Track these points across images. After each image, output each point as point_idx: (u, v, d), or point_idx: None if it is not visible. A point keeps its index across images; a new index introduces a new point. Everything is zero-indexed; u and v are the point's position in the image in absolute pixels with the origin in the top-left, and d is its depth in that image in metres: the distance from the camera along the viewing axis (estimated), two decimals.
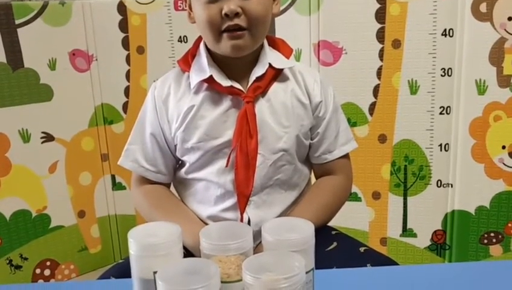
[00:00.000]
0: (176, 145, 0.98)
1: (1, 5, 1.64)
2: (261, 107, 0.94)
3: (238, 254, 0.63)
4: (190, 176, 0.98)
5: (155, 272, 0.59)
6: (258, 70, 0.93)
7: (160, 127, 0.97)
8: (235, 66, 0.94)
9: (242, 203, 0.94)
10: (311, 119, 0.97)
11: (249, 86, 0.93)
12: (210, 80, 0.93)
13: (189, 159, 0.96)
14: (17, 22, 1.66)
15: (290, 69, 0.98)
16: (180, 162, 1.02)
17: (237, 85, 0.93)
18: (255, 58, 0.95)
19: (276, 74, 0.95)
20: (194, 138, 0.94)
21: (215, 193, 0.95)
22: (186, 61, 0.98)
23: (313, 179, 1.06)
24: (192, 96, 0.95)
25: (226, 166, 0.93)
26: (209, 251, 0.63)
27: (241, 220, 0.94)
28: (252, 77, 0.93)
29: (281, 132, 0.94)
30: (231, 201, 0.94)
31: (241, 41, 0.89)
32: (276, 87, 0.96)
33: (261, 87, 0.93)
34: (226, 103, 0.94)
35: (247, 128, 0.91)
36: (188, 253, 0.89)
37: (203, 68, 0.94)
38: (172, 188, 1.05)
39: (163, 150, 0.99)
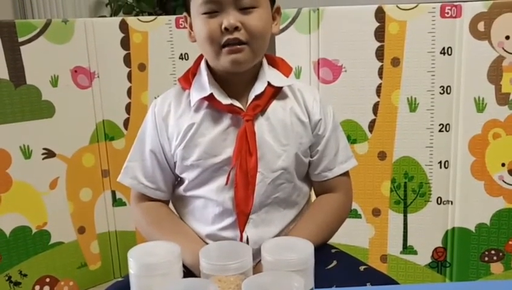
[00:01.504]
0: (175, 163, 0.98)
1: (4, 23, 1.66)
2: (260, 125, 0.94)
3: (237, 274, 0.63)
4: (189, 193, 0.98)
5: None
6: (257, 89, 0.94)
7: (160, 144, 0.98)
8: (235, 84, 0.95)
9: (242, 222, 0.94)
10: (310, 137, 0.98)
11: (248, 104, 0.94)
12: (210, 98, 0.94)
13: (188, 176, 0.97)
14: (20, 39, 1.67)
15: (290, 87, 0.99)
16: (179, 179, 1.02)
17: (237, 103, 0.94)
18: (254, 76, 0.96)
19: (275, 92, 0.96)
20: (194, 155, 0.94)
21: (213, 211, 0.95)
22: (187, 79, 0.99)
23: (313, 197, 1.06)
24: (193, 114, 0.96)
25: (226, 184, 0.93)
26: (208, 270, 0.64)
27: (241, 239, 0.94)
28: (251, 95, 0.94)
29: (280, 150, 0.95)
30: (230, 219, 0.95)
31: (241, 55, 0.90)
32: (275, 105, 0.96)
33: (260, 106, 0.94)
34: (226, 121, 0.94)
35: (246, 147, 0.92)
36: (187, 271, 0.89)
37: (203, 86, 0.95)
38: (171, 205, 1.06)
39: (162, 167, 0.99)
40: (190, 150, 0.95)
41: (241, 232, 0.94)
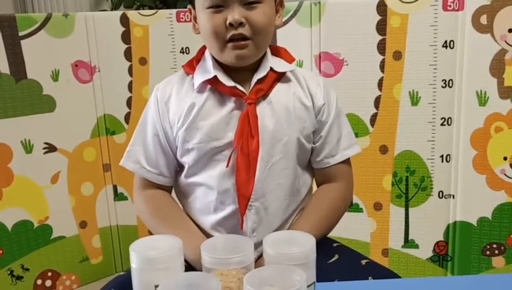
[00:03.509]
0: (177, 147, 0.98)
1: (5, 17, 1.66)
2: (263, 109, 0.94)
3: (239, 268, 0.63)
4: (190, 180, 0.98)
5: (156, 286, 0.59)
6: (260, 74, 0.95)
7: (163, 128, 0.98)
8: (238, 71, 0.95)
9: (242, 206, 0.93)
10: (313, 122, 0.98)
11: (251, 88, 0.94)
12: (213, 82, 0.94)
13: (188, 160, 0.96)
14: (20, 33, 1.67)
15: (293, 73, 0.99)
16: (180, 167, 1.02)
17: (240, 87, 0.94)
18: (257, 64, 0.96)
19: (278, 78, 0.97)
20: (195, 138, 0.94)
21: (214, 198, 0.95)
22: (191, 65, 0.99)
23: (314, 188, 1.06)
24: (196, 95, 0.95)
25: (227, 166, 0.93)
26: (210, 264, 0.64)
27: (241, 223, 0.94)
28: (254, 79, 0.94)
29: (281, 134, 0.95)
30: (232, 207, 0.94)
31: (245, 51, 0.91)
32: (278, 89, 0.97)
33: (263, 90, 0.94)
34: (229, 105, 0.94)
35: (248, 129, 0.92)
36: (189, 266, 0.89)
37: (207, 70, 0.95)
38: (173, 194, 1.05)
39: (165, 151, 0.99)
40: (192, 133, 0.94)
41: (242, 215, 0.93)
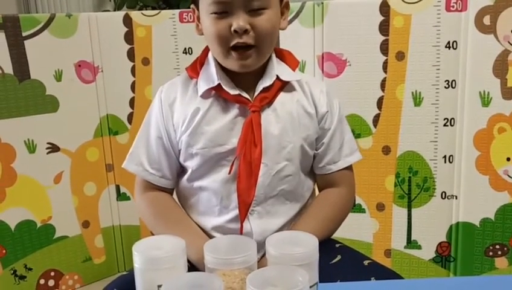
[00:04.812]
0: (180, 150, 0.98)
1: (9, 17, 1.66)
2: (267, 117, 0.94)
3: (242, 268, 0.63)
4: (192, 184, 0.98)
5: (159, 286, 0.59)
6: (265, 82, 0.95)
7: (166, 130, 0.97)
8: (242, 76, 0.95)
9: (243, 212, 0.93)
10: (316, 129, 0.98)
11: (255, 96, 0.94)
12: (218, 88, 0.94)
13: (191, 164, 0.96)
14: (24, 34, 1.68)
15: (297, 80, 0.99)
16: (182, 169, 1.02)
17: (244, 94, 0.94)
18: (262, 69, 0.96)
19: (283, 85, 0.97)
20: (199, 143, 0.94)
21: (218, 202, 0.95)
22: (195, 69, 0.99)
23: (317, 191, 1.06)
24: (200, 100, 0.95)
25: (229, 173, 0.93)
26: (213, 264, 0.64)
27: (241, 229, 0.94)
28: (259, 87, 0.94)
29: (285, 141, 0.95)
30: (235, 211, 0.94)
31: (249, 61, 0.91)
32: (282, 97, 0.96)
33: (268, 98, 0.94)
34: (233, 111, 0.94)
35: (251, 137, 0.91)
36: (191, 266, 0.89)
37: (211, 76, 0.95)
38: (175, 195, 1.05)
39: (168, 153, 0.98)
40: (196, 137, 0.94)
41: (242, 222, 0.93)
